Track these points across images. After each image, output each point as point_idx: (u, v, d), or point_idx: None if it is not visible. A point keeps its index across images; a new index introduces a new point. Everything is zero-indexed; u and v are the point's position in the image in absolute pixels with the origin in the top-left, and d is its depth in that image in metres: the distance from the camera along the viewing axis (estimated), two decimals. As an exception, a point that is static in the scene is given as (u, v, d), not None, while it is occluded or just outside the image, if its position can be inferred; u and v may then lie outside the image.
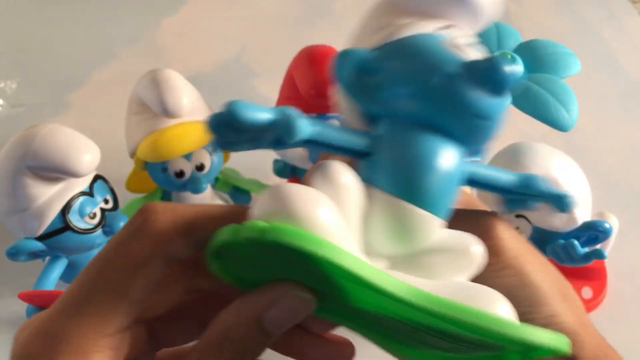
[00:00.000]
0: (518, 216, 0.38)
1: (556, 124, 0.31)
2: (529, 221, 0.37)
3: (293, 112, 0.16)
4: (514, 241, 0.21)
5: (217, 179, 0.42)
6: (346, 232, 0.16)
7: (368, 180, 0.18)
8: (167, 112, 0.35)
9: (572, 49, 0.35)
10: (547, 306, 0.20)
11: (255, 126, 0.15)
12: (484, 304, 0.16)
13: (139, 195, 0.42)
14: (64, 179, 0.33)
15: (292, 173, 0.42)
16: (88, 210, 0.34)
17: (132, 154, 0.39)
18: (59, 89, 0.62)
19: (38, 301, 0.31)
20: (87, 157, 0.32)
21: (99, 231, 0.35)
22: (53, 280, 0.35)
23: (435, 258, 0.18)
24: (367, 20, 0.19)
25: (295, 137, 0.15)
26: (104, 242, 0.36)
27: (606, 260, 0.42)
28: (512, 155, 0.36)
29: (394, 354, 0.21)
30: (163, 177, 0.38)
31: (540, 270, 0.21)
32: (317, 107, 0.37)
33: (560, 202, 0.20)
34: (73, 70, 0.65)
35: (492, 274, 0.21)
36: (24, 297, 0.30)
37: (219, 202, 0.43)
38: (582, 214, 0.37)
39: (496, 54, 0.17)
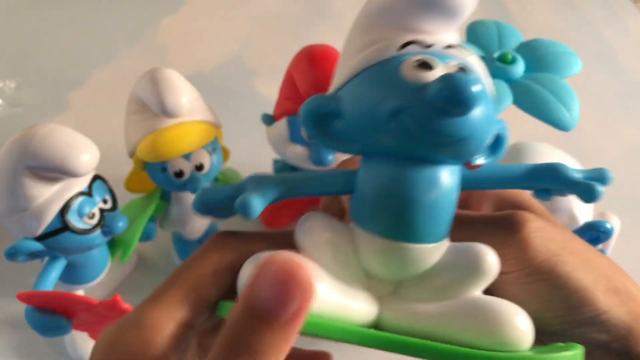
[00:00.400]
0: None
1: (557, 124, 0.31)
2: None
3: (249, 191, 0.17)
4: (542, 242, 0.19)
5: (216, 179, 0.42)
6: (330, 288, 0.17)
7: (355, 220, 0.18)
8: (166, 112, 0.35)
9: (573, 49, 0.35)
10: (589, 306, 0.19)
11: (213, 209, 0.18)
12: (499, 321, 0.16)
13: (138, 195, 0.42)
14: (62, 179, 0.33)
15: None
16: (87, 210, 0.34)
17: (132, 154, 0.39)
18: (59, 88, 0.62)
19: (37, 301, 0.31)
20: (86, 157, 0.32)
21: (98, 231, 0.34)
22: (52, 280, 0.35)
23: (443, 276, 0.18)
24: (346, 41, 0.19)
25: (252, 217, 0.17)
26: (102, 242, 0.35)
27: (607, 261, 0.42)
28: (513, 155, 0.36)
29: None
30: (162, 177, 0.38)
31: (579, 269, 0.20)
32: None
33: (586, 192, 0.18)
34: (73, 70, 0.65)
35: (517, 281, 0.20)
36: (23, 297, 0.30)
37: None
38: (584, 214, 0.37)
39: (452, 73, 0.15)
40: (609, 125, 0.59)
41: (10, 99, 0.61)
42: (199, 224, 0.42)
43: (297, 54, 0.40)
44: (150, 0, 0.76)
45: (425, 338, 0.16)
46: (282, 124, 0.41)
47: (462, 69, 0.17)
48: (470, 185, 0.19)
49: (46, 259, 0.35)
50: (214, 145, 0.39)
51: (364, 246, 0.18)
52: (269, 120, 0.43)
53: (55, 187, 0.33)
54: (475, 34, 0.36)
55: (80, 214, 0.33)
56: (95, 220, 0.34)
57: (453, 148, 0.16)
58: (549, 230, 0.20)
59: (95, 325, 0.33)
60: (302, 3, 0.76)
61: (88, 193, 0.34)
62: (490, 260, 0.17)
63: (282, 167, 0.41)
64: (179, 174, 0.38)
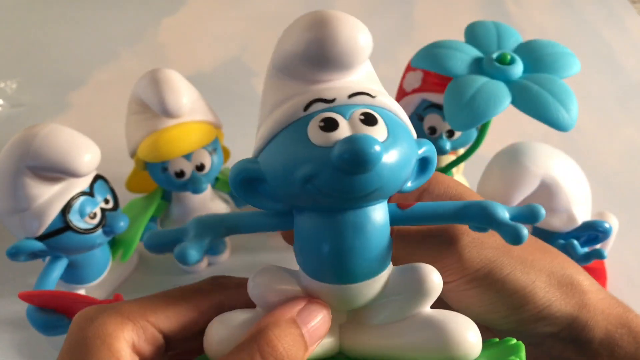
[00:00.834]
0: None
1: (556, 124, 0.31)
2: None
3: (188, 239, 0.19)
4: (477, 252, 0.21)
5: (217, 179, 0.42)
6: None
7: (299, 266, 0.19)
8: (167, 112, 0.35)
9: (571, 49, 0.36)
10: (529, 304, 0.21)
11: (159, 251, 0.19)
12: (451, 335, 0.17)
13: (139, 195, 0.42)
14: (64, 178, 0.33)
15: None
16: (88, 210, 0.34)
17: (133, 154, 0.39)
18: (59, 88, 0.62)
19: (38, 301, 0.31)
20: (87, 157, 0.32)
21: (99, 231, 0.35)
22: (53, 280, 0.35)
23: (392, 299, 0.19)
24: (262, 96, 0.20)
25: (190, 264, 0.19)
26: (104, 242, 0.36)
27: (606, 260, 0.43)
28: (512, 155, 0.36)
29: None
30: (163, 177, 0.38)
31: (517, 270, 0.21)
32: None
33: (511, 235, 0.18)
34: (73, 70, 0.65)
35: (458, 288, 0.21)
36: (24, 297, 0.30)
37: (218, 202, 0.43)
38: (582, 213, 0.37)
39: (352, 135, 0.16)
40: (608, 126, 0.59)
41: (11, 99, 0.61)
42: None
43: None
44: (151, 1, 0.76)
45: (385, 357, 0.18)
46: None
47: (367, 118, 0.17)
48: (402, 222, 0.20)
49: (47, 258, 0.35)
50: (215, 146, 0.39)
51: (311, 289, 0.19)
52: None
53: (56, 187, 0.33)
54: (474, 35, 0.36)
55: (82, 214, 0.34)
56: (96, 220, 0.34)
57: (369, 197, 0.17)
58: (485, 239, 0.21)
59: (96, 325, 0.33)
60: (302, 3, 0.76)
61: (89, 193, 0.34)
62: (435, 279, 0.18)
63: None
64: (180, 174, 0.38)
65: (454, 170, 0.43)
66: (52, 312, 0.31)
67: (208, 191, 0.42)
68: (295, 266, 0.20)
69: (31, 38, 0.70)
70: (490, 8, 0.76)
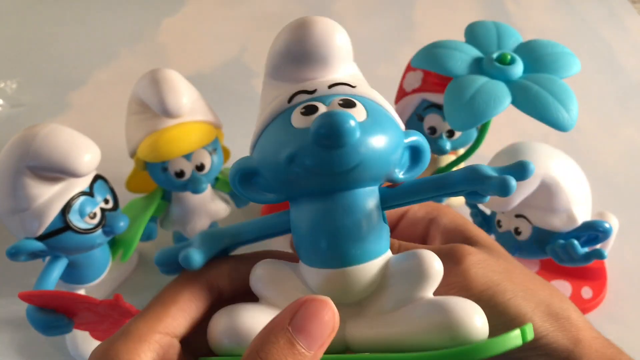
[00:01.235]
0: (517, 216, 0.38)
1: (556, 124, 0.31)
2: (529, 221, 0.37)
3: (192, 247, 0.20)
4: (482, 273, 0.21)
5: (217, 179, 0.42)
6: None
7: (300, 258, 0.20)
8: (167, 112, 0.35)
9: (571, 49, 0.36)
10: None
11: (168, 268, 0.21)
12: (458, 318, 0.17)
13: (139, 195, 0.42)
14: (64, 178, 0.33)
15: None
16: (88, 210, 0.34)
17: (132, 154, 0.39)
18: (59, 89, 0.62)
19: (38, 301, 0.31)
20: (87, 157, 0.32)
21: (99, 231, 0.35)
22: (53, 280, 0.35)
23: (395, 287, 0.19)
24: (260, 102, 0.21)
25: (194, 269, 0.20)
26: (104, 242, 0.36)
27: (606, 260, 0.43)
28: (512, 155, 0.36)
29: None
30: (163, 177, 0.38)
31: (518, 297, 0.21)
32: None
33: (499, 186, 0.18)
34: (73, 70, 0.65)
35: None
36: (24, 297, 0.30)
37: (219, 202, 0.43)
38: (582, 213, 0.37)
39: (329, 111, 0.17)
40: (608, 126, 0.59)
41: (11, 99, 0.61)
42: (200, 224, 0.42)
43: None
44: (151, 1, 0.76)
45: (391, 347, 0.18)
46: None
47: (346, 102, 0.18)
48: (392, 199, 0.20)
49: (47, 258, 0.35)
50: (215, 146, 0.39)
51: (311, 280, 0.19)
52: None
53: (56, 187, 0.33)
54: (474, 35, 0.36)
55: (82, 214, 0.34)
56: (96, 220, 0.34)
57: (353, 175, 0.18)
58: (490, 262, 0.22)
59: (96, 325, 0.33)
60: (302, 3, 0.76)
61: (89, 193, 0.34)
62: (436, 264, 0.19)
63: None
64: (180, 174, 0.38)
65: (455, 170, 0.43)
66: (52, 312, 0.31)
67: (208, 191, 0.42)
68: None
69: (31, 38, 0.70)
70: (490, 8, 0.76)
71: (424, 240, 0.25)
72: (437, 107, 0.39)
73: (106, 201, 0.35)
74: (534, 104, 0.31)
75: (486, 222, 0.41)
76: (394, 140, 0.19)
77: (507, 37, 0.36)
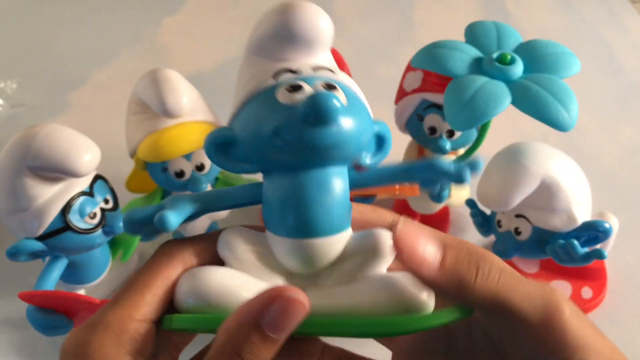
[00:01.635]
0: (517, 216, 0.38)
1: (556, 124, 0.31)
2: (529, 221, 0.37)
3: (166, 209, 0.20)
4: (580, 326, 0.19)
5: (217, 179, 0.42)
6: (250, 291, 0.19)
7: (267, 227, 0.21)
8: (167, 112, 0.35)
9: (571, 49, 0.35)
10: None
11: (138, 227, 0.21)
12: (405, 291, 0.19)
13: (139, 195, 0.42)
14: (64, 179, 0.33)
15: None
16: (88, 210, 0.34)
17: (132, 154, 0.39)
18: (59, 89, 0.62)
19: (38, 301, 0.31)
20: (87, 157, 0.32)
21: (99, 231, 0.35)
22: (53, 280, 0.35)
23: (351, 261, 0.21)
24: (237, 76, 0.22)
25: (169, 229, 0.20)
26: (104, 242, 0.36)
27: (606, 260, 0.43)
28: (512, 155, 0.36)
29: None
30: (163, 177, 0.38)
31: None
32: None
33: (456, 176, 0.21)
34: (73, 70, 0.65)
35: None
36: (24, 297, 0.30)
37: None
38: (582, 213, 0.37)
39: (318, 92, 0.18)
40: (608, 126, 0.59)
41: (11, 99, 0.61)
42: (200, 224, 0.42)
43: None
44: (151, 1, 0.76)
45: (350, 318, 0.19)
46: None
47: (329, 86, 0.19)
48: (360, 184, 0.22)
49: (47, 258, 0.35)
50: (215, 146, 0.39)
51: (277, 248, 0.20)
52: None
53: (56, 187, 0.33)
54: (474, 35, 0.36)
55: (82, 214, 0.34)
56: (96, 220, 0.34)
57: (331, 153, 0.19)
58: (581, 313, 0.20)
59: (96, 325, 0.33)
60: (302, 3, 0.76)
61: (89, 193, 0.34)
62: (389, 242, 0.20)
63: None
64: (180, 174, 0.38)
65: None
66: (52, 312, 0.32)
67: (208, 191, 0.42)
68: None
69: (31, 38, 0.70)
70: (490, 8, 0.76)
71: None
72: (437, 107, 0.39)
73: (106, 201, 0.35)
74: (534, 104, 0.31)
75: (486, 222, 0.41)
76: (367, 126, 0.20)
77: (507, 37, 0.36)
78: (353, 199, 0.21)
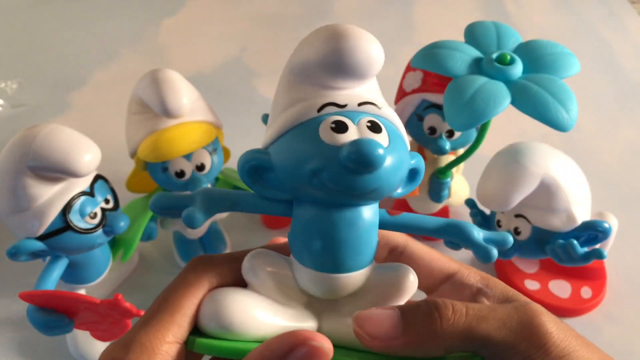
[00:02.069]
0: (517, 216, 0.38)
1: (556, 124, 0.31)
2: (529, 221, 0.37)
3: (195, 205, 0.20)
4: (563, 336, 0.19)
5: (217, 179, 0.42)
6: (271, 317, 0.20)
7: (292, 253, 0.21)
8: (167, 112, 0.36)
9: (571, 50, 0.36)
10: None
11: (165, 212, 0.21)
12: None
13: (140, 195, 0.43)
14: (64, 178, 0.33)
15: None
16: (89, 210, 0.34)
17: (133, 154, 0.39)
18: (60, 89, 0.62)
19: (39, 301, 0.31)
20: (87, 157, 0.32)
21: (100, 231, 0.35)
22: (53, 280, 0.35)
23: (372, 293, 0.21)
24: (275, 94, 0.21)
25: (196, 228, 0.20)
26: (104, 241, 0.36)
27: (605, 260, 0.43)
28: (511, 155, 0.36)
29: None
30: (163, 177, 0.38)
31: None
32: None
33: (483, 255, 0.21)
34: (73, 70, 0.65)
35: None
36: (25, 296, 0.30)
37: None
38: (582, 213, 0.37)
39: (360, 138, 0.18)
40: (607, 126, 0.59)
41: (12, 99, 0.61)
42: (200, 224, 0.42)
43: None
44: (151, 2, 0.76)
45: (359, 346, 0.20)
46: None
47: (374, 125, 0.19)
48: (390, 227, 0.22)
49: (48, 258, 0.36)
50: (215, 146, 0.39)
51: (300, 276, 0.21)
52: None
53: (57, 187, 0.33)
54: (473, 35, 0.36)
55: (82, 214, 0.34)
56: (97, 220, 0.34)
57: (368, 196, 0.19)
58: (564, 325, 0.20)
59: (96, 324, 0.33)
60: (302, 3, 0.76)
61: (90, 193, 0.34)
62: (412, 278, 0.21)
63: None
64: (180, 174, 0.38)
65: (454, 170, 0.43)
66: (52, 312, 0.31)
67: (208, 191, 0.42)
68: None
69: (32, 38, 0.70)
70: (490, 8, 0.76)
71: None
72: (437, 107, 0.39)
73: (107, 201, 0.35)
74: (534, 104, 0.31)
75: (486, 222, 0.41)
76: (406, 165, 0.20)
77: (507, 38, 0.36)
78: None
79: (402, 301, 0.21)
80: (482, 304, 0.21)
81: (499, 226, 0.40)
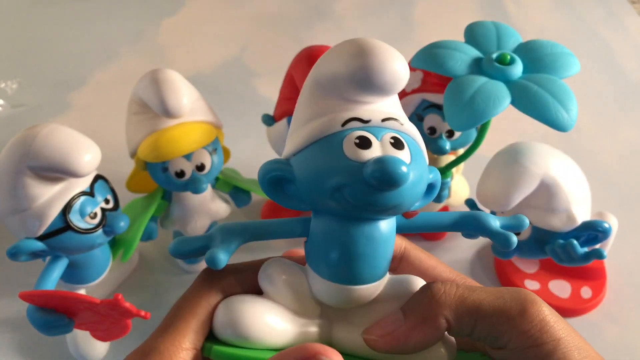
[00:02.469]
0: (518, 216, 0.38)
1: (555, 124, 0.31)
2: (529, 221, 0.37)
3: (215, 245, 0.21)
4: (556, 318, 0.20)
5: (217, 179, 0.42)
6: (283, 326, 0.20)
7: (308, 263, 0.21)
8: (167, 112, 0.36)
9: (571, 49, 0.36)
10: None
11: (185, 256, 0.21)
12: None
13: (140, 195, 0.43)
14: (64, 178, 0.33)
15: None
16: (89, 210, 0.34)
17: (133, 154, 0.39)
18: (60, 89, 0.62)
19: (39, 301, 0.31)
20: (87, 157, 0.32)
21: (100, 231, 0.35)
22: (53, 280, 0.35)
23: (384, 304, 0.21)
24: (298, 104, 0.21)
25: (219, 268, 0.20)
26: (104, 242, 0.36)
27: (605, 260, 0.43)
28: (512, 155, 0.36)
29: None
30: (163, 177, 0.38)
31: (591, 357, 0.20)
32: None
33: (503, 242, 0.21)
34: (73, 70, 0.65)
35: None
36: (25, 296, 0.30)
37: (219, 201, 0.43)
38: (582, 213, 0.37)
39: (384, 156, 0.18)
40: (607, 126, 0.59)
41: (12, 99, 0.61)
42: (200, 224, 0.42)
43: (298, 54, 0.40)
44: (151, 2, 0.76)
45: (370, 355, 0.20)
46: (282, 125, 0.41)
47: (397, 141, 0.19)
48: (406, 230, 0.22)
49: (48, 258, 0.36)
50: (215, 146, 0.39)
51: (315, 285, 0.21)
52: (269, 120, 0.43)
53: (57, 187, 0.33)
54: (473, 35, 0.36)
55: (82, 214, 0.34)
56: (97, 220, 0.34)
57: (388, 212, 0.19)
58: (555, 312, 0.21)
59: (96, 324, 0.33)
60: (302, 3, 0.76)
61: (90, 193, 0.34)
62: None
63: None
64: (180, 174, 0.38)
65: (454, 170, 0.43)
66: (53, 312, 0.31)
67: (208, 191, 0.42)
68: None
69: (31, 38, 0.70)
70: (490, 8, 0.76)
71: None
72: (437, 107, 0.39)
73: (107, 201, 0.35)
74: (534, 104, 0.31)
75: (486, 222, 0.41)
76: (425, 180, 0.20)
77: (507, 37, 0.36)
78: None
79: None
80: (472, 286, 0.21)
81: (499, 226, 0.40)
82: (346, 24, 0.72)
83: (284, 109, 0.41)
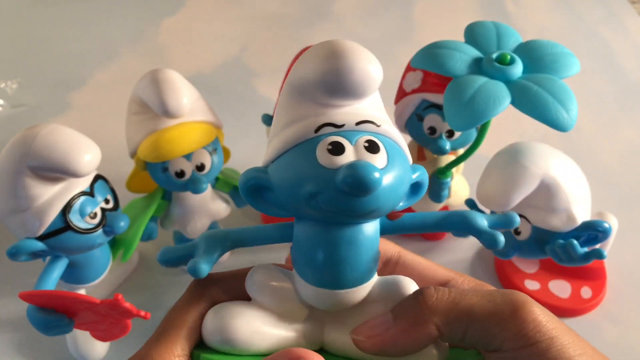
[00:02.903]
0: (518, 216, 0.38)
1: (555, 124, 0.31)
2: (529, 221, 0.37)
3: (198, 254, 0.21)
4: (548, 317, 0.20)
5: (217, 179, 0.42)
6: (270, 332, 0.21)
7: (294, 268, 0.21)
8: (167, 112, 0.36)
9: (571, 50, 0.36)
10: None
11: (171, 265, 0.22)
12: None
13: (140, 195, 0.43)
14: (64, 178, 0.33)
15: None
16: (89, 210, 0.34)
17: (133, 154, 0.39)
18: (60, 89, 0.62)
19: (38, 301, 0.31)
20: (87, 157, 0.32)
21: (100, 231, 0.35)
22: (54, 280, 0.35)
23: (374, 305, 0.21)
24: (276, 110, 0.21)
25: (202, 277, 0.21)
26: (104, 242, 0.36)
27: (605, 260, 0.43)
28: (512, 155, 0.36)
29: None
30: (163, 177, 0.38)
31: (587, 354, 0.20)
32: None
33: (489, 241, 0.21)
34: (73, 70, 0.65)
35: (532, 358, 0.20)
36: (25, 296, 0.30)
37: (219, 201, 0.43)
38: (582, 213, 0.37)
39: (356, 162, 0.18)
40: (607, 126, 0.59)
41: (12, 99, 0.61)
42: (200, 224, 0.42)
43: (297, 54, 0.40)
44: (151, 2, 0.76)
45: (361, 356, 0.21)
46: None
47: (371, 144, 0.19)
48: (391, 232, 0.22)
49: (48, 258, 0.36)
50: (215, 146, 0.39)
51: (302, 290, 0.21)
52: (269, 120, 0.43)
53: (57, 187, 0.33)
54: (473, 35, 0.36)
55: (82, 214, 0.34)
56: (97, 220, 0.34)
57: (367, 216, 0.19)
58: (548, 312, 0.21)
59: (96, 324, 0.33)
60: (302, 3, 0.76)
61: (90, 193, 0.34)
62: (413, 289, 0.21)
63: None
64: (180, 174, 0.38)
65: (454, 170, 0.43)
66: (53, 312, 0.31)
67: (208, 191, 0.42)
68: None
69: (31, 38, 0.70)
70: (490, 8, 0.76)
71: None
72: (437, 107, 0.39)
73: (107, 201, 0.35)
74: (534, 104, 0.31)
75: (486, 222, 0.41)
76: (406, 182, 0.20)
77: (507, 37, 0.36)
78: None
79: None
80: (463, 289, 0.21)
81: (499, 226, 0.40)
82: (346, 24, 0.72)
83: (284, 109, 0.41)
